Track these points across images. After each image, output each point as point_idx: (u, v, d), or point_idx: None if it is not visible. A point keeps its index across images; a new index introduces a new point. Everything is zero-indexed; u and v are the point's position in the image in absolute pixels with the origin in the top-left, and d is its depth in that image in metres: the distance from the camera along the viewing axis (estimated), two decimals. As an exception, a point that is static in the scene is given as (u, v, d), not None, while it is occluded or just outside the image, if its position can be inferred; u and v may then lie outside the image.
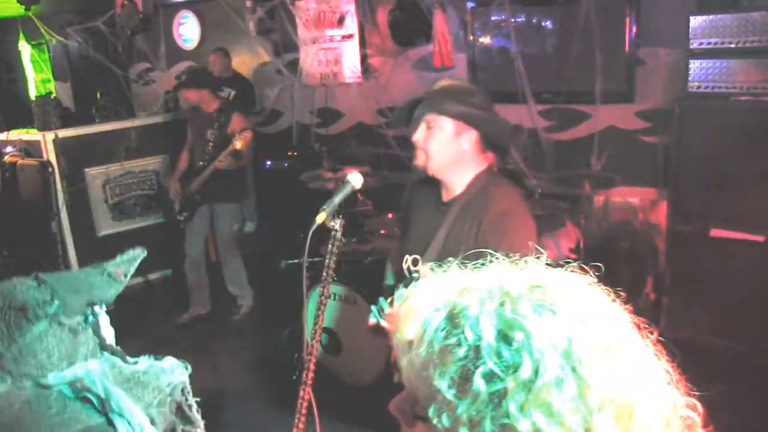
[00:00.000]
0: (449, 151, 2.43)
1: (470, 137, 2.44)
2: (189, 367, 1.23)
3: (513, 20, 5.15)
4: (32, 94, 7.85)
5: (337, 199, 2.20)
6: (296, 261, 5.09)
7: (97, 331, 1.20)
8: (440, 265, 0.96)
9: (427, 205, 2.67)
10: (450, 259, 0.97)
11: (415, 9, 5.61)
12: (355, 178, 2.27)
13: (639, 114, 4.72)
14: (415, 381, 0.83)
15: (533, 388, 0.73)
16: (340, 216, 2.16)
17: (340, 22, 6.16)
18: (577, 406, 0.73)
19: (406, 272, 2.64)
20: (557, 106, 5.02)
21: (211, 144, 5.05)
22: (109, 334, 1.24)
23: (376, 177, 4.94)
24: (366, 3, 6.01)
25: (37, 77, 8.16)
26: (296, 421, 2.12)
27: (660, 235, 4.65)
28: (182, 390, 1.22)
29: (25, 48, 8.12)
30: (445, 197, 2.56)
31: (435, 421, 0.78)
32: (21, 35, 7.98)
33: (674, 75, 4.34)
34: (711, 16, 3.83)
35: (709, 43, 3.84)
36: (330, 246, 2.16)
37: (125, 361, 1.18)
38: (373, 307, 2.50)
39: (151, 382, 1.15)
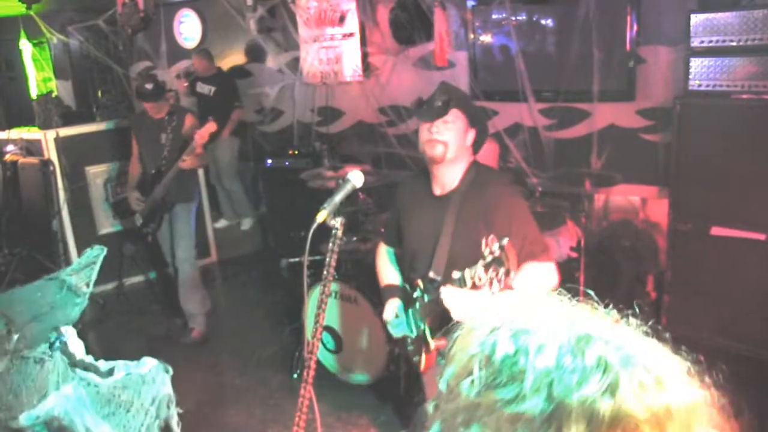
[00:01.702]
0: (461, 143, 2.65)
1: (471, 135, 2.69)
2: (170, 369, 1.19)
3: (514, 19, 5.15)
4: (33, 92, 7.87)
5: (338, 197, 2.21)
6: (297, 259, 5.09)
7: (65, 350, 1.14)
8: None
9: (417, 203, 2.83)
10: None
11: (415, 7, 5.62)
12: (356, 177, 2.27)
13: (640, 112, 4.71)
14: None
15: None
16: (341, 214, 2.17)
17: (341, 20, 6.16)
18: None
19: (420, 285, 2.74)
20: (558, 104, 5.02)
21: (167, 148, 4.91)
22: (78, 348, 1.18)
23: (377, 175, 4.94)
24: (367, 1, 6.02)
25: (38, 76, 8.18)
26: (297, 419, 2.12)
27: (661, 234, 4.65)
28: (167, 402, 1.16)
29: (26, 46, 8.14)
30: (440, 192, 2.73)
31: None
32: (22, 34, 7.99)
33: (675, 73, 4.33)
34: (712, 14, 3.82)
35: (710, 41, 3.83)
36: (331, 244, 2.16)
37: (100, 374, 1.12)
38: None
39: (134, 402, 1.08)
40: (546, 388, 0.72)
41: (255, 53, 7.29)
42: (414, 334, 2.84)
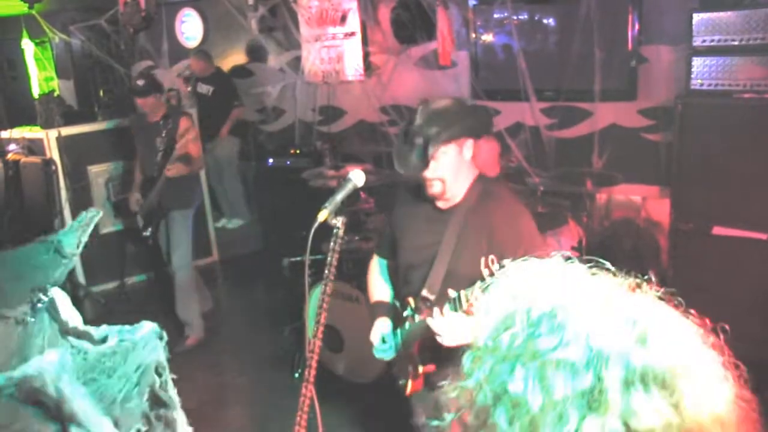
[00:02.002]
0: (458, 168, 2.51)
1: (468, 145, 2.53)
2: (164, 335, 1.17)
3: (515, 18, 5.15)
4: (35, 92, 7.87)
5: (339, 196, 2.20)
6: (298, 259, 5.09)
7: (55, 316, 1.12)
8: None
9: (417, 215, 2.66)
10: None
11: (417, 7, 5.61)
12: (357, 176, 2.27)
13: (641, 112, 4.71)
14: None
15: (540, 352, 0.84)
16: (343, 214, 2.16)
17: (343, 19, 6.16)
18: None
19: (411, 304, 2.60)
20: (559, 103, 5.01)
21: (160, 153, 4.86)
22: (71, 315, 1.16)
23: (378, 175, 4.94)
24: (368, 1, 6.01)
25: (40, 75, 8.18)
26: (298, 418, 2.12)
27: (662, 233, 4.65)
28: (156, 368, 1.13)
29: (28, 46, 8.14)
30: (443, 206, 2.58)
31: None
32: (24, 33, 8.00)
33: (677, 72, 4.33)
34: (714, 14, 3.82)
35: (712, 41, 3.83)
36: (332, 244, 2.16)
37: (93, 342, 1.10)
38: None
39: (118, 368, 1.06)
40: (585, 338, 0.83)
41: (256, 52, 7.30)
42: (400, 355, 2.70)
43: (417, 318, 2.55)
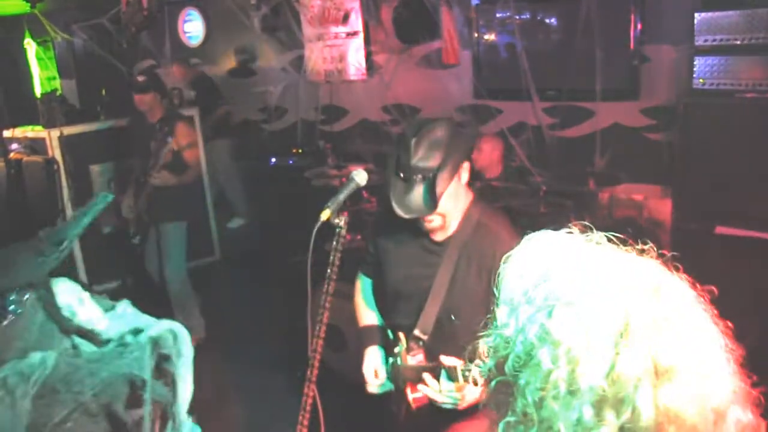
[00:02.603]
0: (457, 196, 2.33)
1: (465, 167, 2.34)
2: (178, 334, 1.14)
3: (517, 17, 5.15)
4: (38, 91, 7.88)
5: (342, 196, 2.19)
6: (300, 258, 5.09)
7: (54, 314, 1.10)
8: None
9: (407, 243, 2.47)
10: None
11: (419, 6, 5.61)
12: (360, 175, 2.25)
13: (644, 111, 4.71)
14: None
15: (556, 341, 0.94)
16: (345, 213, 2.16)
17: (345, 19, 6.16)
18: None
19: (403, 342, 2.45)
20: (561, 103, 5.01)
21: (154, 157, 4.67)
22: (82, 311, 1.13)
23: (381, 174, 4.94)
24: (370, 0, 6.01)
25: (42, 74, 8.19)
26: (300, 418, 2.12)
27: (664, 233, 4.64)
28: (132, 381, 1.08)
29: (30, 45, 8.15)
30: (438, 237, 2.39)
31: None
32: (26, 33, 8.01)
33: (679, 72, 4.33)
34: (716, 13, 3.81)
35: (714, 40, 3.83)
36: (334, 243, 2.16)
37: (97, 342, 1.08)
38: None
39: (85, 379, 1.03)
40: (611, 286, 0.96)
41: (259, 52, 7.31)
42: (392, 388, 2.56)
43: (409, 358, 2.41)
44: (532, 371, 0.94)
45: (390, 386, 2.55)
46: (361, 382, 2.61)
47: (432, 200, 2.18)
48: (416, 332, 2.40)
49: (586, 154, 4.89)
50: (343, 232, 2.15)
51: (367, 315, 2.73)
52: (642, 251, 1.10)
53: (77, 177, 6.04)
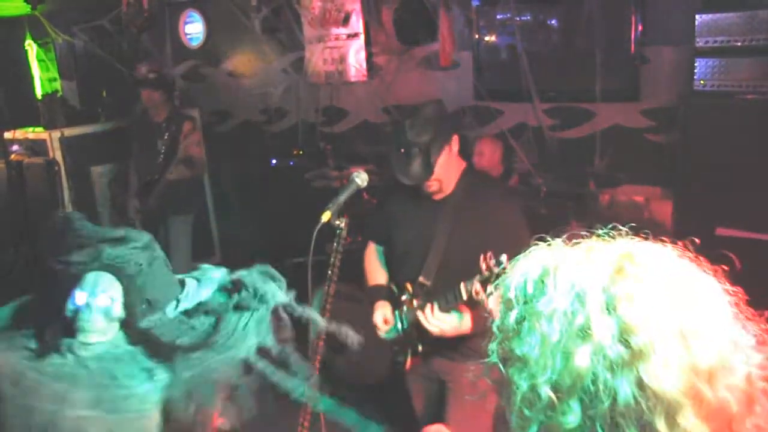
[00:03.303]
0: (450, 164, 2.71)
1: (455, 140, 2.73)
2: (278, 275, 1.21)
3: (518, 18, 5.15)
4: (38, 92, 7.88)
5: (343, 197, 2.21)
6: (301, 259, 5.09)
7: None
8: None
9: (411, 205, 2.85)
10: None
11: (420, 8, 5.61)
12: (361, 177, 2.28)
13: (644, 112, 4.71)
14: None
15: (536, 312, 0.94)
16: (346, 214, 2.17)
17: (345, 20, 6.16)
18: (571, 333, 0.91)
19: (409, 289, 2.81)
20: (562, 104, 5.01)
21: (162, 155, 4.76)
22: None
23: (381, 175, 4.94)
24: (371, 2, 6.01)
25: (43, 76, 8.19)
26: (301, 419, 2.13)
27: (665, 234, 4.63)
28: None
29: (31, 47, 8.15)
30: (436, 197, 2.76)
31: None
32: (27, 34, 8.01)
33: (680, 73, 4.32)
34: (717, 14, 3.81)
35: (715, 41, 3.82)
36: (335, 244, 2.16)
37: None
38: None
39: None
40: (570, 286, 0.94)
41: (260, 53, 7.31)
42: (400, 335, 2.88)
43: (415, 302, 2.76)
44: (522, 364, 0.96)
45: (395, 332, 2.88)
46: (361, 382, 2.78)
47: (428, 168, 2.57)
48: (420, 279, 2.74)
49: (586, 156, 4.89)
50: (344, 233, 2.16)
51: (376, 276, 3.05)
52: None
53: (78, 178, 6.04)
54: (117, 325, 1.11)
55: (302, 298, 2.24)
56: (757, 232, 3.74)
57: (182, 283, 1.20)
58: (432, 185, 2.68)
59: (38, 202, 6.09)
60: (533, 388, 0.92)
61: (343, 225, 2.15)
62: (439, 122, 2.66)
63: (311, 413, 2.13)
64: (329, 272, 2.17)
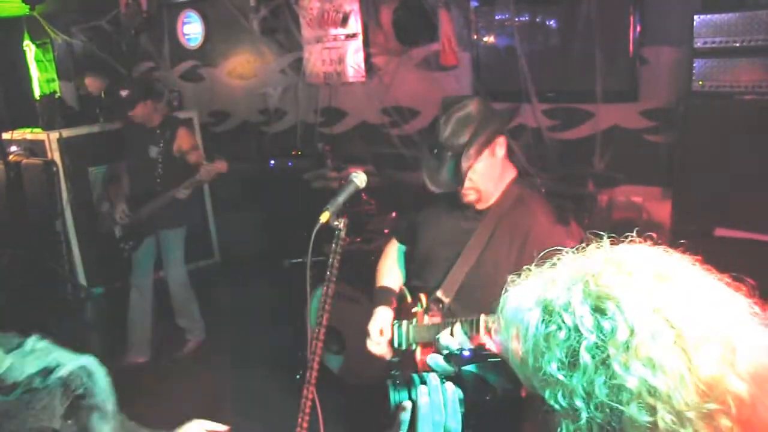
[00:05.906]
0: (492, 171, 2.39)
1: (500, 143, 2.39)
2: (95, 372, 1.10)
3: (517, 19, 5.15)
4: (37, 93, 7.87)
5: (341, 198, 2.19)
6: (300, 260, 5.09)
7: None
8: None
9: (447, 206, 2.54)
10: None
11: (418, 8, 5.61)
12: (359, 178, 2.26)
13: (643, 113, 4.70)
14: (529, 377, 0.92)
15: (631, 346, 0.82)
16: (344, 215, 2.16)
17: (344, 21, 6.16)
18: (675, 352, 0.82)
19: (423, 301, 2.49)
20: (561, 105, 5.01)
21: (160, 166, 4.59)
22: None
23: (380, 176, 4.94)
24: (370, 2, 6.01)
25: (41, 77, 8.19)
26: (300, 420, 2.12)
27: (664, 235, 4.64)
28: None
29: (29, 47, 8.14)
30: (480, 206, 2.46)
31: (552, 403, 0.87)
32: (26, 35, 8.01)
33: (678, 74, 4.32)
34: (715, 15, 3.81)
35: (714, 42, 3.82)
36: (334, 245, 2.16)
37: (1, 390, 1.04)
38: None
39: (6, 427, 1.00)
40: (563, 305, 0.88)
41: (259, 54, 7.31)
42: (403, 348, 2.59)
43: (426, 318, 2.47)
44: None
45: (388, 347, 2.57)
46: (361, 383, 2.64)
47: (459, 175, 2.26)
48: (438, 294, 2.45)
49: (585, 156, 4.88)
50: (343, 234, 2.15)
51: (388, 277, 2.79)
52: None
53: (76, 179, 6.04)
54: None
55: (301, 299, 2.24)
56: (756, 232, 3.74)
57: None
58: (468, 194, 2.37)
59: (36, 203, 6.08)
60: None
61: (341, 226, 2.14)
62: (481, 123, 2.30)
63: (310, 415, 2.13)
64: (328, 273, 2.16)
